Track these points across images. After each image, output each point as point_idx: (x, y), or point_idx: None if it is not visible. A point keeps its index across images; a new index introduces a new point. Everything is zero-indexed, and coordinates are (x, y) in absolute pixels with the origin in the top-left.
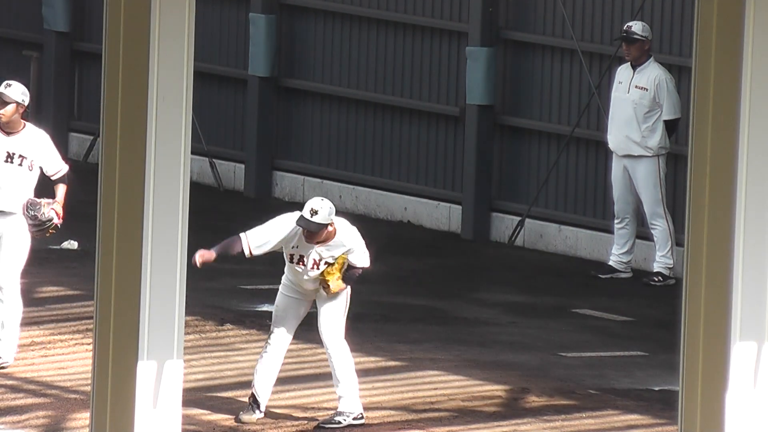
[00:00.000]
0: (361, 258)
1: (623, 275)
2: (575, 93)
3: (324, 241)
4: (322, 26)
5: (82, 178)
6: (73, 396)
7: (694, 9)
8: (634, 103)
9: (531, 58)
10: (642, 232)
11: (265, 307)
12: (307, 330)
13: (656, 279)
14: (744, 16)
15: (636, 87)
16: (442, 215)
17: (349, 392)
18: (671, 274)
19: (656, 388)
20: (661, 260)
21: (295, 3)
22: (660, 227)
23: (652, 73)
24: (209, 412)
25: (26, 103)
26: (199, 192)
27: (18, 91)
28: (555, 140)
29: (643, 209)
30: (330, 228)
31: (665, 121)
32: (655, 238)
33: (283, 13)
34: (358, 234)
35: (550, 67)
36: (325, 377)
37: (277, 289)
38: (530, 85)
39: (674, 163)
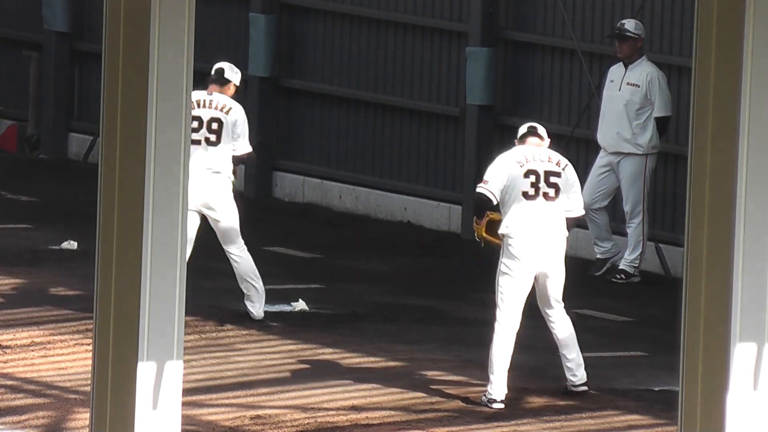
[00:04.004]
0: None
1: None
2: (575, 93)
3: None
4: (322, 26)
5: (82, 178)
6: (73, 396)
7: (694, 9)
8: (625, 101)
9: (531, 58)
10: (616, 228)
11: (265, 308)
12: (307, 330)
13: (619, 276)
14: (744, 16)
15: (628, 84)
16: (442, 215)
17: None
18: (635, 272)
19: (656, 388)
20: (628, 258)
21: (295, 3)
22: (636, 226)
23: (645, 70)
24: (209, 412)
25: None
26: None
27: (231, 71)
28: (555, 140)
29: (623, 207)
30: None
31: (656, 119)
32: (629, 237)
33: (283, 13)
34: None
35: (550, 67)
36: (325, 377)
37: (276, 290)
38: (530, 85)
39: (674, 163)
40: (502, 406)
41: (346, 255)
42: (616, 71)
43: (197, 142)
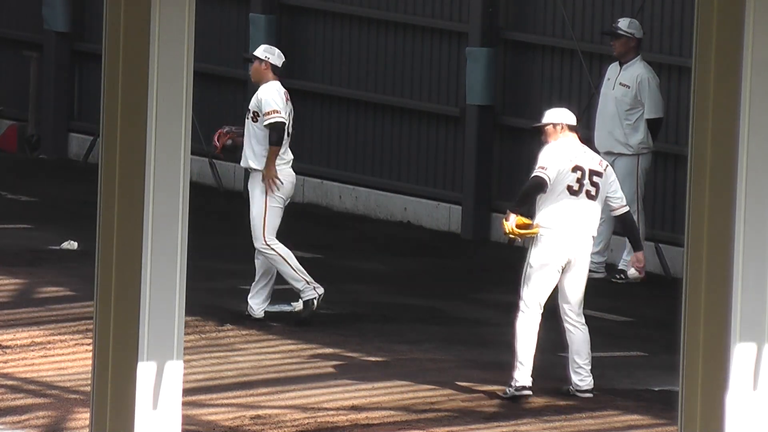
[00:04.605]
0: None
1: (596, 275)
2: (575, 93)
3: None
4: (322, 26)
5: (82, 178)
6: (73, 396)
7: (694, 9)
8: (616, 100)
9: (531, 58)
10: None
11: (265, 308)
12: (307, 330)
13: (618, 276)
14: (744, 16)
15: (620, 84)
16: (442, 215)
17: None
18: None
19: (656, 388)
20: (626, 258)
21: (295, 3)
22: None
23: (636, 71)
24: (209, 412)
25: (270, 60)
26: (199, 192)
27: (261, 49)
28: None
29: None
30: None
31: (648, 121)
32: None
33: (283, 13)
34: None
35: (550, 67)
36: (324, 377)
37: (276, 290)
38: (530, 85)
39: (674, 163)
40: (530, 393)
41: (346, 255)
42: (612, 69)
43: (291, 135)
